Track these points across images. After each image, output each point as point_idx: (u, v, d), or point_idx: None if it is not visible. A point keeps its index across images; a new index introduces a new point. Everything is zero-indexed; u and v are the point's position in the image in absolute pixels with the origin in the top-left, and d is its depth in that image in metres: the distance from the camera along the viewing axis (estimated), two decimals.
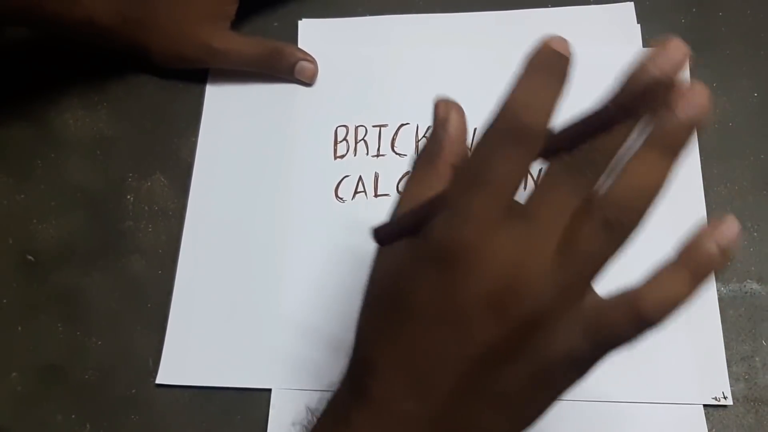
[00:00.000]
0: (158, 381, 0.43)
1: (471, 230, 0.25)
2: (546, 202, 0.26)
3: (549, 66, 0.25)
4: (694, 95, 0.25)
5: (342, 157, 0.48)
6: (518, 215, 0.26)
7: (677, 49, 0.25)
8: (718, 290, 0.43)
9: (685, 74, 0.48)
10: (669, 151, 0.26)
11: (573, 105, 0.49)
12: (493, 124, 0.25)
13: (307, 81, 0.49)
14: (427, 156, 0.31)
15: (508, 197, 0.25)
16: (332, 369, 0.42)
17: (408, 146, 0.48)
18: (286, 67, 0.49)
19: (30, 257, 0.46)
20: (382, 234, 0.30)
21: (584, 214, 0.26)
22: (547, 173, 0.26)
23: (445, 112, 0.31)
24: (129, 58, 0.50)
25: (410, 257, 0.28)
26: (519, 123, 0.25)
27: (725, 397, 0.40)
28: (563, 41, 0.25)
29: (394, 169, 0.47)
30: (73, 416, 0.42)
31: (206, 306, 0.44)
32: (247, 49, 0.49)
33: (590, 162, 0.26)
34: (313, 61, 0.49)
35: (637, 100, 0.25)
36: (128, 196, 0.47)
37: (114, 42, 0.48)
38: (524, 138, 0.25)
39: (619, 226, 0.26)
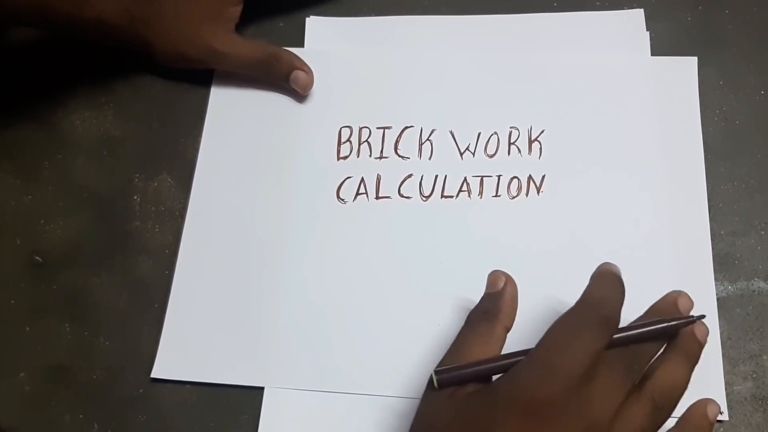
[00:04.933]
0: (153, 375, 0.43)
1: (557, 387, 0.31)
2: (609, 381, 0.33)
3: (613, 276, 0.36)
4: (703, 329, 0.36)
5: (345, 158, 0.48)
6: (589, 385, 0.32)
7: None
8: (726, 288, 0.43)
9: (693, 85, 0.47)
10: (692, 359, 0.36)
11: (579, 110, 0.49)
12: (579, 309, 0.34)
13: (301, 91, 0.49)
14: (484, 316, 0.37)
15: (586, 367, 0.32)
16: (327, 371, 0.43)
17: (411, 149, 0.48)
18: (282, 74, 0.48)
19: (37, 258, 0.46)
20: (446, 378, 0.35)
21: (635, 396, 0.34)
22: (607, 359, 0.33)
23: (502, 283, 0.38)
24: (134, 56, 0.50)
25: (487, 405, 0.33)
26: (603, 312, 0.33)
27: (721, 413, 0.40)
28: (615, 266, 0.37)
29: (397, 171, 0.47)
30: (80, 416, 0.43)
31: (204, 303, 0.44)
32: (247, 52, 0.49)
33: (640, 357, 0.35)
34: (308, 72, 0.48)
35: (677, 331, 0.36)
36: (135, 197, 0.48)
37: (121, 41, 0.49)
38: (606, 324, 0.33)
39: (662, 409, 0.34)
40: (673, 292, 0.37)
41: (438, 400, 0.34)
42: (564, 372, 0.31)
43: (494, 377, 0.35)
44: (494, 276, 0.39)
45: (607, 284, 0.35)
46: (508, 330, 0.37)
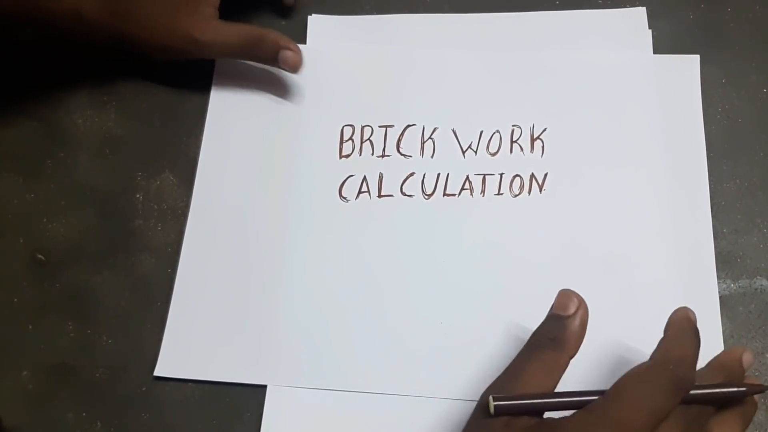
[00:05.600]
0: (156, 374, 0.43)
1: None
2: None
3: (691, 329, 0.34)
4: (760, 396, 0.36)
5: (347, 156, 0.48)
6: None
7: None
8: (728, 287, 0.43)
9: (696, 83, 0.47)
10: (747, 422, 0.35)
11: (581, 108, 0.49)
12: (656, 368, 0.33)
13: (291, 70, 0.48)
14: (551, 343, 0.35)
15: (653, 428, 0.31)
16: (329, 369, 0.43)
17: (413, 147, 0.48)
18: (268, 55, 0.48)
19: (40, 256, 0.46)
20: (504, 407, 0.33)
21: None
22: (671, 415, 0.32)
23: (573, 307, 0.35)
24: (118, 53, 0.49)
25: None
26: (680, 374, 0.32)
27: None
28: (692, 312, 0.36)
29: (399, 169, 0.47)
30: (83, 414, 0.43)
31: (206, 301, 0.44)
32: (231, 38, 0.47)
33: (701, 416, 0.34)
34: (296, 50, 0.47)
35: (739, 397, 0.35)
36: (137, 195, 0.48)
37: (102, 36, 0.48)
38: (680, 387, 0.32)
39: None
40: (738, 347, 0.37)
41: (491, 428, 0.33)
42: (630, 431, 0.31)
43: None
44: (565, 297, 0.36)
45: (685, 341, 0.34)
46: (572, 358, 0.35)
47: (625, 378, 0.32)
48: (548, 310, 0.36)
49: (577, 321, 0.35)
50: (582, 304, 0.35)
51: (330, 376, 0.42)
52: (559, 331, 0.35)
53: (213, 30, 0.48)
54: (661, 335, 0.35)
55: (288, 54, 0.47)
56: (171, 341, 0.44)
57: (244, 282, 0.45)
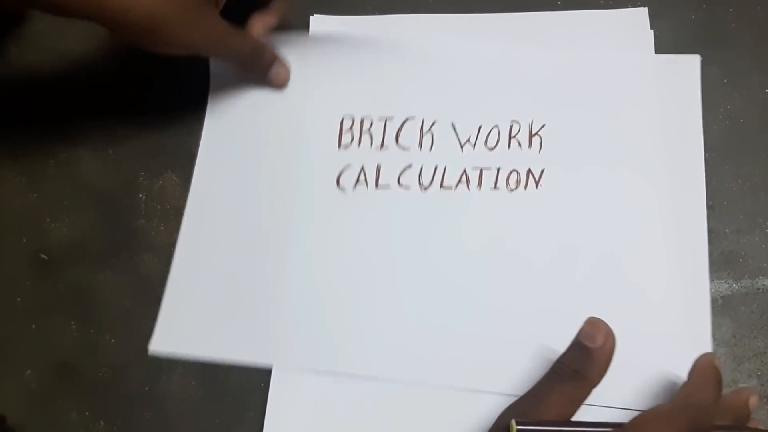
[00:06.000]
0: (151, 348, 0.43)
1: None
2: None
3: (715, 376, 0.36)
4: None
5: (346, 147, 0.48)
6: None
7: None
8: (730, 286, 0.43)
9: (696, 83, 0.47)
10: None
11: (580, 106, 0.49)
12: (676, 411, 0.33)
13: (278, 87, 0.49)
14: (575, 375, 0.34)
15: None
16: (330, 353, 0.43)
17: (412, 140, 0.48)
18: (264, 68, 0.48)
19: (43, 256, 0.47)
20: (525, 431, 0.33)
21: None
22: None
23: (600, 339, 0.34)
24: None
25: None
26: (699, 418, 0.33)
27: None
28: (715, 357, 0.38)
29: (397, 161, 0.47)
30: (87, 413, 0.43)
31: (205, 285, 0.45)
32: (236, 43, 0.45)
33: None
34: (287, 68, 0.49)
35: None
36: (140, 195, 0.48)
37: (52, 7, 0.38)
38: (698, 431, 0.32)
39: None
40: (744, 390, 0.37)
41: None
42: None
43: None
44: (593, 327, 0.35)
45: (707, 387, 0.35)
46: (594, 388, 0.34)
47: (646, 415, 0.32)
48: (573, 337, 0.36)
49: (604, 356, 0.34)
50: (609, 337, 0.34)
51: (331, 358, 0.42)
52: (584, 362, 0.34)
53: (222, 29, 0.43)
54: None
55: (282, 71, 0.48)
56: (168, 317, 0.44)
57: (245, 269, 0.45)
